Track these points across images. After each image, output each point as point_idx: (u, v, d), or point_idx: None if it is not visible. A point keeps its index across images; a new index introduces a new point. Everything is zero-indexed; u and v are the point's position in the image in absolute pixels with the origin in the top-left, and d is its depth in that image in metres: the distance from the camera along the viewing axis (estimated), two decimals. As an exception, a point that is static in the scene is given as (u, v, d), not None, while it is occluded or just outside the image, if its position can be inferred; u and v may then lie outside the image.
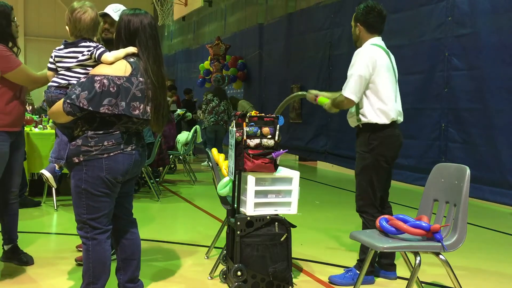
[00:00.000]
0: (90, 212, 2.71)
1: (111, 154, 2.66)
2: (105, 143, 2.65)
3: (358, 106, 3.45)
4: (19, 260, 3.74)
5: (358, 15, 3.55)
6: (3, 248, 3.79)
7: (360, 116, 3.45)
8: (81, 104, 2.55)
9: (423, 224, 2.70)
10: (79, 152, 2.65)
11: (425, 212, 2.98)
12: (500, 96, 6.12)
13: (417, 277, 2.93)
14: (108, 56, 2.67)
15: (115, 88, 2.59)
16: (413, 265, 2.71)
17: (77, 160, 2.66)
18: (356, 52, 3.48)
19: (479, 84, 6.41)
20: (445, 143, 6.95)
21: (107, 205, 2.75)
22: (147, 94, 2.68)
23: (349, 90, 3.38)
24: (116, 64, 2.65)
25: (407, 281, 2.79)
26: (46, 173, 2.92)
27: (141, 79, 2.67)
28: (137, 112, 2.65)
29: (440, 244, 2.65)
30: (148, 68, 2.71)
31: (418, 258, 2.66)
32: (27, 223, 4.91)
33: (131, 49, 2.70)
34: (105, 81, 2.58)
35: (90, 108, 2.56)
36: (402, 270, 3.57)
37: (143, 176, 6.58)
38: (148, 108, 2.70)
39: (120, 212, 2.91)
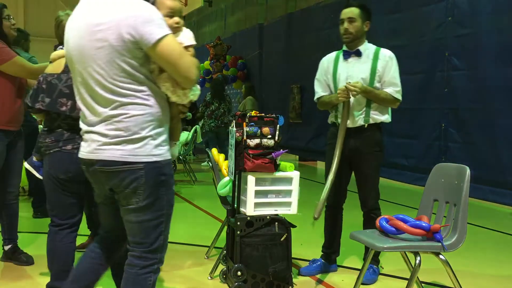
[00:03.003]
0: (48, 203, 2.88)
1: (51, 151, 2.75)
2: (47, 140, 2.76)
3: (370, 105, 3.47)
4: (19, 260, 3.74)
5: (369, 13, 3.56)
6: (3, 248, 3.79)
7: (374, 116, 3.48)
8: (27, 101, 2.75)
9: (423, 224, 2.70)
10: (38, 148, 2.84)
11: (425, 212, 2.98)
12: (500, 96, 6.11)
13: (417, 277, 2.93)
14: (52, 54, 2.82)
15: (45, 85, 2.71)
16: (413, 265, 2.71)
17: (39, 156, 2.87)
18: (390, 55, 3.51)
19: (479, 84, 6.40)
20: (445, 143, 6.95)
21: (57, 202, 2.84)
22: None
23: (401, 94, 3.50)
24: (57, 62, 2.76)
25: (407, 281, 2.79)
26: (26, 165, 3.08)
27: (71, 75, 2.66)
28: (64, 108, 2.70)
29: (440, 244, 2.65)
30: None
31: (418, 258, 2.66)
32: (27, 223, 4.91)
33: None
34: (41, 78, 2.73)
35: (30, 104, 2.74)
36: (402, 270, 3.57)
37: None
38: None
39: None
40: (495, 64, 6.16)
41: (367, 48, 3.56)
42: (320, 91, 3.68)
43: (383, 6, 7.87)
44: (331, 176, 3.32)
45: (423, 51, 7.26)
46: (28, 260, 3.75)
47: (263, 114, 3.09)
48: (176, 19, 2.19)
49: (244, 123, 3.01)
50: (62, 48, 2.81)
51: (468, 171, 2.75)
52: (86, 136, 2.14)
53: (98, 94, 2.05)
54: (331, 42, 9.64)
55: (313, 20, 10.32)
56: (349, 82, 3.41)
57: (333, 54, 3.68)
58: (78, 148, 2.61)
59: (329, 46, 9.56)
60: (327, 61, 3.68)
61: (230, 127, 3.13)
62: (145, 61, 2.03)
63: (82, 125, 2.18)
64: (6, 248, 3.77)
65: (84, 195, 2.88)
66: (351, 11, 3.50)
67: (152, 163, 2.06)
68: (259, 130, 3.03)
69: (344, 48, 3.59)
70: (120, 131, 2.02)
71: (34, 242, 4.31)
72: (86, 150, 2.13)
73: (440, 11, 7.01)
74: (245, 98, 10.73)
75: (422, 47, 7.28)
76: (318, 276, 3.64)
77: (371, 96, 3.44)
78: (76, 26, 2.09)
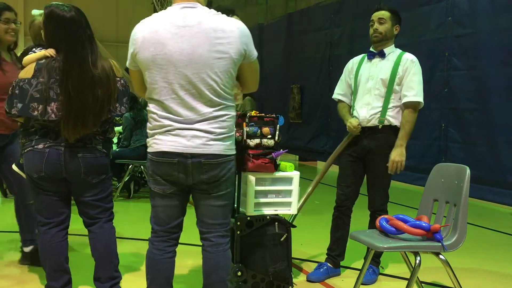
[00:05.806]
0: (34, 202, 2.87)
1: (25, 150, 2.73)
2: (23, 140, 2.76)
3: (387, 107, 3.46)
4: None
5: (399, 18, 3.59)
6: (23, 250, 3.72)
7: (390, 118, 3.47)
8: (6, 107, 2.71)
9: (423, 224, 2.70)
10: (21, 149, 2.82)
11: (425, 212, 2.98)
12: (500, 96, 6.11)
13: (417, 277, 2.93)
14: (24, 59, 2.76)
15: (18, 91, 2.65)
16: (413, 265, 2.71)
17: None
18: (412, 59, 3.59)
19: (479, 84, 6.40)
20: (445, 143, 6.94)
21: (40, 200, 2.82)
22: (47, 95, 2.63)
23: (421, 96, 3.50)
24: (28, 67, 2.72)
25: (407, 281, 2.79)
26: (13, 166, 3.07)
27: (41, 79, 2.64)
28: (36, 113, 2.64)
29: (440, 244, 2.65)
30: (58, 68, 2.64)
31: (418, 258, 2.66)
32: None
33: (49, 51, 2.70)
34: (14, 84, 2.68)
35: (8, 110, 2.69)
36: (402, 270, 3.57)
37: (143, 176, 6.57)
38: (50, 109, 2.64)
39: (81, 214, 2.96)
40: (495, 64, 6.15)
41: (392, 51, 3.60)
42: (338, 91, 3.76)
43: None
44: (317, 178, 3.34)
45: (422, 51, 7.25)
46: None
47: (263, 114, 3.09)
48: None
49: (244, 123, 3.01)
50: (40, 50, 2.77)
51: (468, 171, 2.75)
52: (181, 132, 2.34)
53: (206, 97, 2.31)
54: (331, 42, 9.68)
55: (313, 20, 10.32)
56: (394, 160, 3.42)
57: (359, 56, 3.72)
58: (50, 147, 2.68)
59: (329, 46, 9.71)
60: (352, 62, 3.73)
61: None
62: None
63: (170, 122, 2.34)
64: (27, 249, 3.66)
65: (67, 192, 2.84)
66: (382, 13, 3.55)
67: (234, 155, 2.47)
68: (259, 130, 3.04)
69: (370, 49, 3.61)
70: (224, 129, 2.37)
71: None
72: (183, 145, 2.33)
73: (440, 11, 7.01)
74: (244, 98, 10.75)
75: (421, 47, 7.26)
76: (318, 276, 3.64)
77: (408, 136, 3.45)
78: (187, 33, 2.26)
